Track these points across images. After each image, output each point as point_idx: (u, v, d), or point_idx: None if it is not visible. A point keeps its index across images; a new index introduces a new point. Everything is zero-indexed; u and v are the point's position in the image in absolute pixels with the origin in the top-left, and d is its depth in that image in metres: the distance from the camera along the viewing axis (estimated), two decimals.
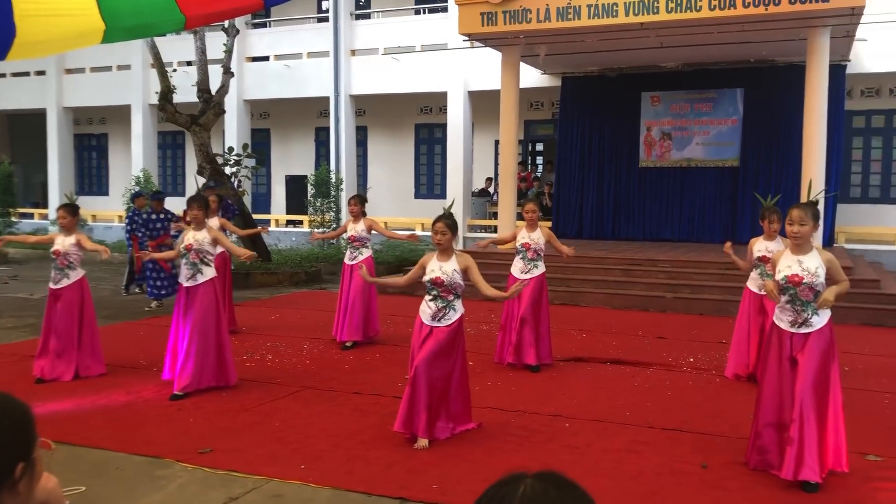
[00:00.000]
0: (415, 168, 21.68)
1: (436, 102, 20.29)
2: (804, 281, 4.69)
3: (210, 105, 14.99)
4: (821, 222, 5.83)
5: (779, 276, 4.80)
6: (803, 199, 11.58)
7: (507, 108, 14.35)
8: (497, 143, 18.11)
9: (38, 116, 23.44)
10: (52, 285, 7.38)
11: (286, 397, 6.66)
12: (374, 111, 21.46)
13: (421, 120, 21.42)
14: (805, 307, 4.72)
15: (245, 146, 16.72)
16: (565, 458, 5.16)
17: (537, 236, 7.77)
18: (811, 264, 4.73)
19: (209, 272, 6.91)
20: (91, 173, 25.74)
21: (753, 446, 4.93)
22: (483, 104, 18.63)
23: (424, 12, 20.65)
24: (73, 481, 4.66)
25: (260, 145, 22.06)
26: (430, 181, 21.60)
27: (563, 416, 6.11)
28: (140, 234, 11.74)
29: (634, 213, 16.90)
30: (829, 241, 14.85)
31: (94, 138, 25.55)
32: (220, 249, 7.32)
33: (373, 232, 9.00)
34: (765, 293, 7.01)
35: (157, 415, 6.16)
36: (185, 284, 6.88)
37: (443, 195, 19.34)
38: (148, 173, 20.78)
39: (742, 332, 7.41)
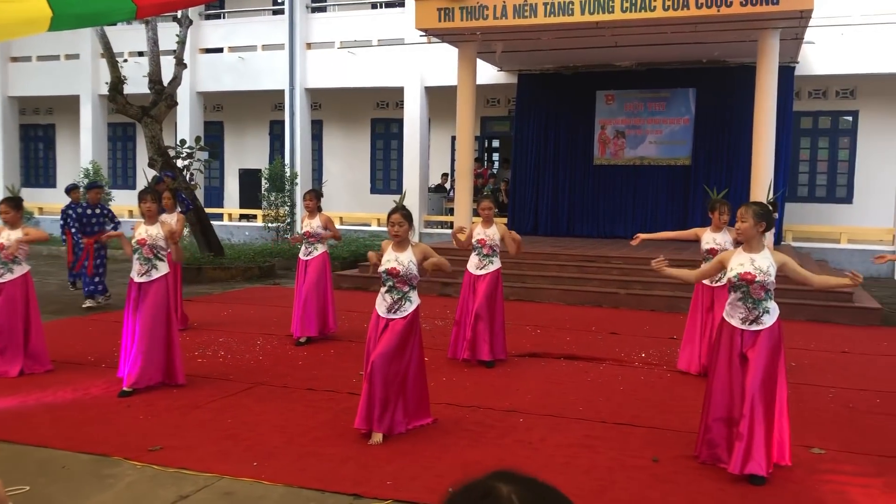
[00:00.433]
0: (371, 163, 21.59)
1: (392, 97, 20.23)
2: (756, 279, 4.78)
3: (162, 97, 14.73)
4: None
5: (731, 274, 4.88)
6: (755, 199, 11.83)
7: (463, 105, 14.37)
8: (454, 139, 18.12)
9: None
10: None
11: (239, 394, 6.58)
12: (329, 105, 21.30)
13: (377, 115, 21.34)
14: (757, 305, 4.81)
15: (198, 139, 16.47)
16: (519, 454, 5.18)
17: (493, 233, 7.80)
18: (763, 263, 4.82)
19: (163, 268, 6.79)
20: (38, 165, 25.12)
21: (703, 440, 5.02)
22: (440, 100, 18.63)
23: (381, 6, 20.58)
24: (16, 481, 4.54)
25: (213, 138, 21.75)
26: (386, 176, 21.54)
27: (518, 412, 6.15)
28: (74, 230, 10.89)
29: (589, 210, 17.08)
30: (777, 240, 15.20)
31: (40, 129, 24.93)
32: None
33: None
34: (716, 285, 7.12)
35: (105, 412, 6.03)
36: (138, 280, 6.74)
37: (399, 190, 19.27)
38: (97, 165, 20.36)
39: (694, 327, 7.52)
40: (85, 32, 19.26)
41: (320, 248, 8.87)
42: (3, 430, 5.36)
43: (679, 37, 13.27)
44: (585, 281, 12.36)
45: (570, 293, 12.03)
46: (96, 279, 10.95)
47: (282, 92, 19.66)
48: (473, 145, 15.61)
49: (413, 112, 18.53)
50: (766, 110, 12.87)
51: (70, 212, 10.98)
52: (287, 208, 18.81)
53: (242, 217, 20.94)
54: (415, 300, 5.58)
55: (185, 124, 20.24)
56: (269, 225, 18.66)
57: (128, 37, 19.15)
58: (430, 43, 16.67)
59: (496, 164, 21.38)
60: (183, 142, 15.83)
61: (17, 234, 7.14)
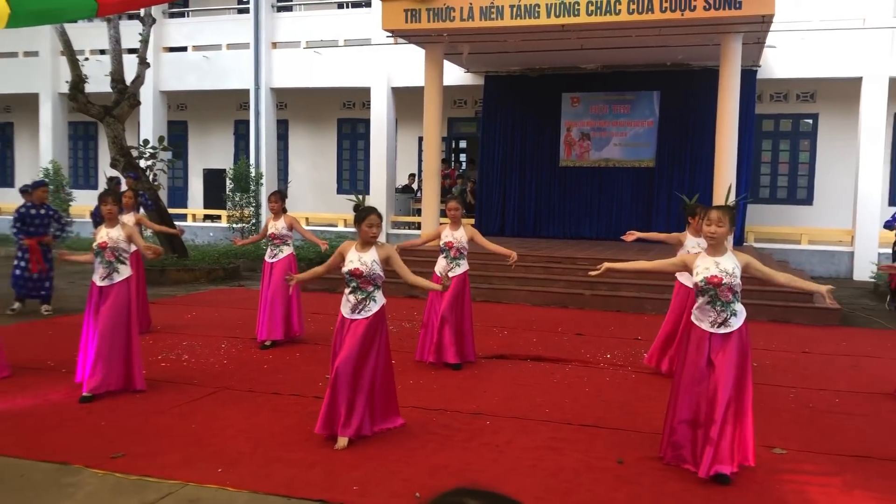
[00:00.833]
0: (337, 163, 21.50)
1: (359, 98, 20.16)
2: (723, 282, 4.82)
3: (125, 96, 14.51)
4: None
5: (698, 279, 4.91)
6: (718, 201, 11.96)
7: (430, 106, 14.37)
8: (421, 139, 18.12)
9: None
10: None
11: (203, 398, 6.50)
12: (295, 105, 21.17)
13: (344, 115, 21.25)
14: (725, 308, 4.86)
15: (161, 139, 16.28)
16: (486, 457, 5.19)
17: (460, 235, 7.80)
18: (728, 265, 4.87)
19: (125, 271, 6.68)
20: None
21: (668, 442, 5.06)
22: (407, 100, 18.61)
23: (348, 7, 20.51)
24: None
25: (177, 138, 21.50)
26: (352, 176, 21.46)
27: (485, 414, 6.15)
28: (15, 230, 10.40)
29: (555, 212, 17.19)
30: (739, 241, 15.43)
31: None
32: (134, 247, 7.07)
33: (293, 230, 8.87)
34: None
35: (65, 418, 5.91)
36: (100, 284, 6.62)
37: (366, 191, 19.25)
38: (58, 165, 20.00)
39: (671, 326, 7.47)
40: (44, 29, 18.90)
41: (286, 251, 8.80)
42: None
43: (643, 40, 13.41)
44: (552, 282, 12.43)
45: (536, 294, 12.09)
46: (47, 283, 10.62)
47: (247, 91, 19.48)
48: (440, 146, 15.62)
49: (380, 112, 18.48)
50: (728, 113, 13.06)
51: (15, 212, 10.56)
52: (252, 209, 18.64)
53: (207, 218, 20.71)
54: (379, 300, 5.55)
55: (149, 124, 19.96)
56: (234, 226, 18.48)
57: (89, 34, 18.85)
58: (396, 44, 16.63)
59: (463, 164, 21.41)
60: (146, 142, 15.62)
61: None
